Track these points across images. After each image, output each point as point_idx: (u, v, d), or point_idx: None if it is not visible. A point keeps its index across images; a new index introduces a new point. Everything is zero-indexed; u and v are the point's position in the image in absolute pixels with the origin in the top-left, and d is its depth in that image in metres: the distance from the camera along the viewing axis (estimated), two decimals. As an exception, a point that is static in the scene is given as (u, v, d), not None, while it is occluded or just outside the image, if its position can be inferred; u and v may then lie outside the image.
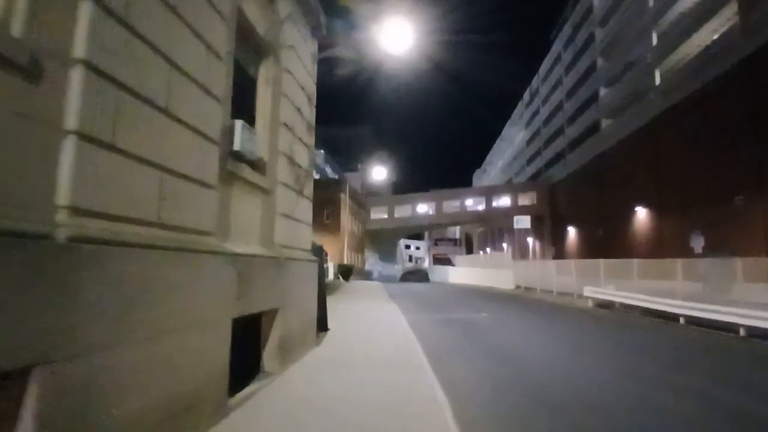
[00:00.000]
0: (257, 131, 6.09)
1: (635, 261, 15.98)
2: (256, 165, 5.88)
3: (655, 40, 34.43)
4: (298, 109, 7.24)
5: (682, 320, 12.80)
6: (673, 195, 29.77)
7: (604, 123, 42.35)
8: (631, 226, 35.44)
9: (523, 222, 29.12)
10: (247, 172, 5.43)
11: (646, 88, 34.91)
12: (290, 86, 6.84)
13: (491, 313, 14.78)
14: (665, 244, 30.05)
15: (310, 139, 8.03)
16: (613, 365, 7.47)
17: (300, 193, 7.33)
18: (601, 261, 17.94)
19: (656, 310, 13.69)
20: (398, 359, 7.01)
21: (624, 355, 8.44)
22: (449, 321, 12.83)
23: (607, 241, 38.18)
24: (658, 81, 33.88)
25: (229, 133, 5.03)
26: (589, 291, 16.71)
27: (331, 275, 35.46)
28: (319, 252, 9.78)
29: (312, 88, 8.08)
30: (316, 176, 72.89)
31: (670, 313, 13.26)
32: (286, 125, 6.69)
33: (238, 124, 5.15)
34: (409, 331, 10.09)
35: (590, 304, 16.63)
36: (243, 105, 5.83)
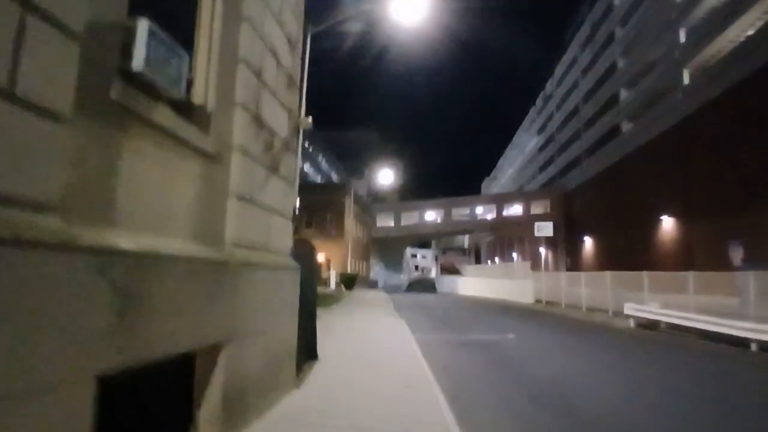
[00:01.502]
0: (196, 64, 3.92)
1: (691, 274, 13.56)
2: (189, 111, 3.70)
3: (683, 37, 32.16)
4: (271, 50, 5.06)
5: (754, 346, 10.42)
6: (705, 201, 27.30)
7: (625, 126, 39.99)
8: (655, 235, 32.93)
9: (544, 229, 26.45)
10: (162, 114, 3.22)
11: (673, 88, 32.58)
12: (257, 10, 4.66)
13: (518, 333, 12.42)
14: (695, 255, 27.52)
15: (292, 99, 5.84)
16: (742, 424, 5.15)
17: (273, 170, 5.14)
18: (645, 273, 15.50)
19: (719, 333, 11.30)
20: (409, 411, 4.76)
21: (740, 406, 6.08)
22: (470, 344, 10.51)
23: (629, 251, 35.63)
24: (687, 79, 31.56)
25: (119, 37, 2.84)
26: (631, 308, 14.29)
27: (332, 285, 33.21)
28: (307, 254, 7.57)
29: (296, 30, 5.90)
30: (317, 178, 71.00)
31: (736, 337, 10.87)
32: (248, 65, 4.50)
33: (143, 26, 2.95)
34: (422, 360, 7.82)
35: (632, 324, 14.22)
36: (178, 26, 3.66)
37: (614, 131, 41.45)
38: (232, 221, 4.21)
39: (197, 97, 3.89)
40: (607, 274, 16.35)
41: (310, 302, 7.40)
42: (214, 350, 3.84)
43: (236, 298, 4.09)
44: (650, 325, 13.71)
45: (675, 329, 12.93)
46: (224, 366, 3.89)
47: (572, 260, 46.80)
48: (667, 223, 31.53)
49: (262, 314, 4.66)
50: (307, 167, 69.26)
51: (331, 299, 20.94)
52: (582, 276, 18.59)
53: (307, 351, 6.97)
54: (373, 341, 9.73)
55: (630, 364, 9.01)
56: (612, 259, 37.63)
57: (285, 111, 5.54)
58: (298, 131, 5.60)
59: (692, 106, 29.58)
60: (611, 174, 40.24)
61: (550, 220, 52.71)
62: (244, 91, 4.42)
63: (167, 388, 3.58)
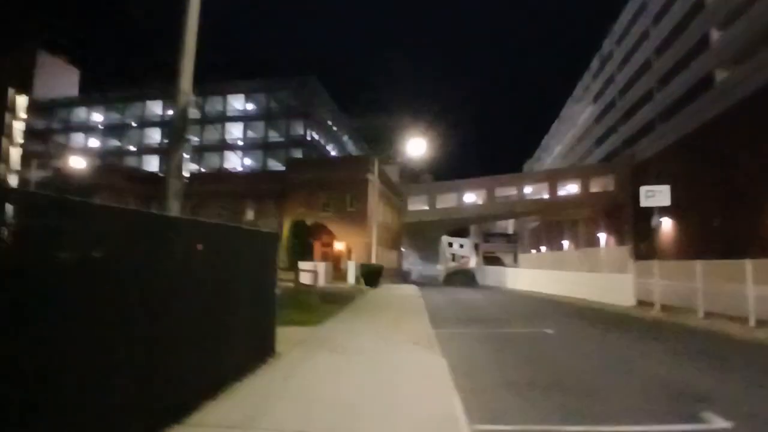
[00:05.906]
0: None
1: None
2: None
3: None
4: None
5: None
6: None
7: (720, 75, 31.57)
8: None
9: (658, 195, 18.54)
10: None
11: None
12: None
13: (717, 403, 5.44)
14: None
15: None
16: None
17: None
18: None
19: None
20: None
21: None
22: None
23: (729, 234, 27.65)
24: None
25: None
26: None
27: (350, 279, 26.82)
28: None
29: None
30: (333, 152, 64.25)
31: None
32: None
33: None
34: None
35: None
36: None
37: (704, 83, 33.03)
38: None
39: None
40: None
41: None
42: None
43: None
44: None
45: None
46: None
47: (646, 248, 38.67)
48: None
49: None
50: (331, 149, 63.19)
51: (335, 304, 14.51)
52: (748, 266, 10.98)
53: None
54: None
55: None
56: (703, 244, 29.68)
57: None
58: None
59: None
60: (701, 137, 31.93)
61: (612, 200, 44.66)
62: None
63: None
